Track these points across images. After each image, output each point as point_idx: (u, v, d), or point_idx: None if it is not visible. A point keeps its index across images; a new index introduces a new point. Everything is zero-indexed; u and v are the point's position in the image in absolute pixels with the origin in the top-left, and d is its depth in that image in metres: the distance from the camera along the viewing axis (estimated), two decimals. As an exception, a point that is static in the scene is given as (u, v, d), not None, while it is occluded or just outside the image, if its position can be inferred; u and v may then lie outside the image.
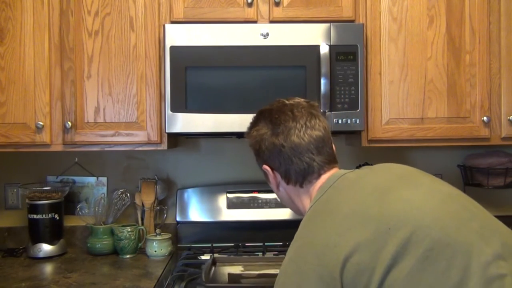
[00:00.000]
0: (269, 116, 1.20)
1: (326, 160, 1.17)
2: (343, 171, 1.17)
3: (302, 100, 1.23)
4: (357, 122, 1.86)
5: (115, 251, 2.11)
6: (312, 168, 1.16)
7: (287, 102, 1.21)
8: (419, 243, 0.92)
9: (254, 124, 1.24)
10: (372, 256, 0.92)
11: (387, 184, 1.06)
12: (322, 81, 1.81)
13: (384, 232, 0.94)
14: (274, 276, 1.63)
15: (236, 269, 1.87)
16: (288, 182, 1.18)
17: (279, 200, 1.31)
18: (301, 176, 1.16)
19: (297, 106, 1.19)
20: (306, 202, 1.19)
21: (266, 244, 2.17)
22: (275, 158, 1.17)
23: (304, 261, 0.99)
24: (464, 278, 0.89)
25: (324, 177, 1.16)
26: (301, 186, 1.18)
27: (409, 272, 0.90)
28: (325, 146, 1.18)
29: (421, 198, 1.02)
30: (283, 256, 1.97)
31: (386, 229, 0.94)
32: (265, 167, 1.21)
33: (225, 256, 2.02)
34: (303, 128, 1.16)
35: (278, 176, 1.20)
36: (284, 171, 1.17)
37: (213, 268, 1.83)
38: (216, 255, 2.00)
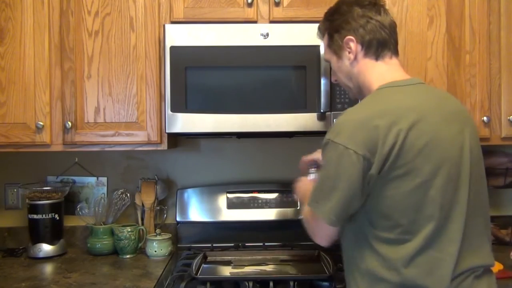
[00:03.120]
0: (355, 1, 1.38)
1: (395, 43, 1.37)
2: (416, 79, 1.37)
3: None
4: (357, 122, 1.85)
5: (115, 251, 2.11)
6: (388, 45, 1.35)
7: None
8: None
9: (340, 3, 1.42)
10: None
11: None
12: (322, 81, 1.81)
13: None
14: (262, 270, 1.65)
15: (226, 263, 1.94)
16: (366, 53, 1.34)
17: (342, 80, 1.46)
18: (380, 47, 1.34)
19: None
20: (374, 79, 1.33)
21: (266, 244, 2.17)
22: (361, 28, 1.33)
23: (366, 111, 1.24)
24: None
25: (395, 62, 1.36)
26: (377, 59, 1.35)
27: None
28: (396, 32, 1.37)
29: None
30: (272, 253, 2.03)
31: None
32: (350, 37, 1.35)
33: (216, 251, 2.07)
34: (384, 13, 1.36)
35: (359, 47, 1.34)
36: (368, 40, 1.33)
37: (203, 262, 1.91)
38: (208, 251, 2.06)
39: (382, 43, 1.34)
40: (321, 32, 1.48)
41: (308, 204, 1.27)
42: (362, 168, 1.18)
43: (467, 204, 1.24)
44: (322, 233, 1.30)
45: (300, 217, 1.51)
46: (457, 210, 1.23)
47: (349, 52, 1.37)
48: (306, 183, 1.58)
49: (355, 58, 1.36)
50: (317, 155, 1.68)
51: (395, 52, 1.37)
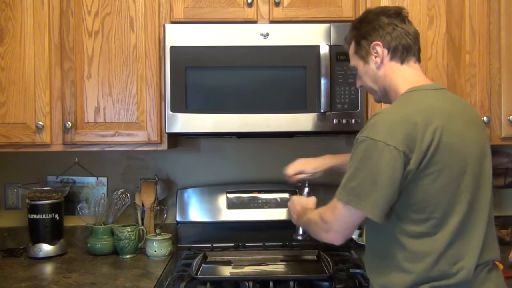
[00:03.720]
0: (381, 11, 1.46)
1: (419, 50, 1.45)
2: (438, 84, 1.45)
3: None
4: (357, 122, 1.85)
5: (115, 251, 2.11)
6: (413, 50, 1.42)
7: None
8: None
9: (366, 13, 1.49)
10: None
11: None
12: (322, 81, 1.81)
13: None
14: (262, 270, 1.73)
15: (226, 263, 1.94)
16: (392, 57, 1.41)
17: (368, 84, 1.49)
18: (405, 52, 1.40)
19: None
20: (400, 82, 1.40)
21: (266, 244, 2.17)
22: (388, 34, 1.40)
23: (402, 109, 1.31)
24: None
25: (418, 67, 1.44)
26: (402, 63, 1.41)
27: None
28: (419, 40, 1.45)
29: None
30: (272, 253, 2.04)
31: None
32: (376, 42, 1.41)
33: (216, 251, 2.07)
34: (408, 23, 1.44)
35: (385, 51, 1.41)
36: (394, 45, 1.40)
37: (203, 262, 1.91)
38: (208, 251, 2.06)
39: (407, 48, 1.41)
40: (347, 41, 1.53)
41: (347, 203, 1.27)
42: (402, 164, 1.23)
43: (488, 201, 1.34)
44: (342, 228, 1.33)
45: (299, 237, 1.71)
46: (480, 205, 1.32)
47: (376, 57, 1.42)
48: (301, 201, 1.67)
49: (382, 62, 1.42)
50: (299, 165, 1.75)
51: (418, 59, 1.45)
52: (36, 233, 2.09)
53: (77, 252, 2.16)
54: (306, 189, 1.77)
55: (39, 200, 2.09)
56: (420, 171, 1.24)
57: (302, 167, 1.75)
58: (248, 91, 1.85)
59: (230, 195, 2.22)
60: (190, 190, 2.24)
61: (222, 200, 2.22)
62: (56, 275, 1.85)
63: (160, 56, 1.93)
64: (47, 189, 2.14)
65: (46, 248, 2.08)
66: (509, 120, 1.98)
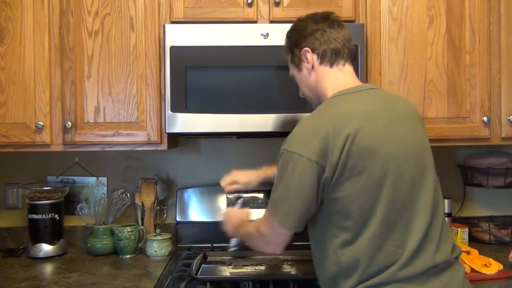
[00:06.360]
0: (312, 17, 1.49)
1: (349, 52, 1.45)
2: (366, 85, 1.45)
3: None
4: (357, 122, 1.85)
5: (115, 251, 2.11)
6: (341, 54, 1.43)
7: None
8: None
9: (297, 22, 1.52)
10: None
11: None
12: (322, 81, 1.81)
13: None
14: (262, 270, 1.71)
15: (226, 263, 1.94)
16: (322, 61, 1.43)
17: (306, 93, 1.54)
18: (334, 55, 1.42)
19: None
20: (329, 86, 1.42)
21: (266, 244, 2.17)
22: (316, 40, 1.43)
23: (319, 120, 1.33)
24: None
25: (349, 69, 1.45)
26: (331, 66, 1.43)
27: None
28: (350, 43, 1.46)
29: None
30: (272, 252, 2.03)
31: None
32: (306, 49, 1.44)
33: (216, 251, 2.07)
34: (337, 27, 1.45)
35: (315, 57, 1.44)
36: (323, 50, 1.42)
37: (203, 262, 1.91)
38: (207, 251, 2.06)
39: (336, 52, 1.43)
40: (285, 50, 1.56)
41: (270, 214, 1.34)
42: (316, 173, 1.25)
43: (429, 201, 1.31)
44: (278, 240, 1.37)
45: (232, 249, 1.79)
46: (416, 207, 1.29)
47: (307, 63, 1.46)
48: (236, 213, 1.71)
49: (312, 67, 1.45)
50: (232, 176, 1.79)
51: (349, 60, 1.46)
52: (36, 233, 2.09)
53: (77, 252, 2.16)
54: (240, 201, 1.81)
55: (39, 200, 2.09)
56: (337, 178, 1.25)
57: (235, 178, 1.79)
58: (248, 91, 1.86)
59: (230, 195, 2.22)
60: (190, 190, 2.24)
61: (222, 200, 2.22)
62: (56, 275, 1.85)
63: (160, 56, 1.93)
64: (47, 189, 2.14)
65: (46, 248, 2.08)
66: (509, 120, 1.98)
